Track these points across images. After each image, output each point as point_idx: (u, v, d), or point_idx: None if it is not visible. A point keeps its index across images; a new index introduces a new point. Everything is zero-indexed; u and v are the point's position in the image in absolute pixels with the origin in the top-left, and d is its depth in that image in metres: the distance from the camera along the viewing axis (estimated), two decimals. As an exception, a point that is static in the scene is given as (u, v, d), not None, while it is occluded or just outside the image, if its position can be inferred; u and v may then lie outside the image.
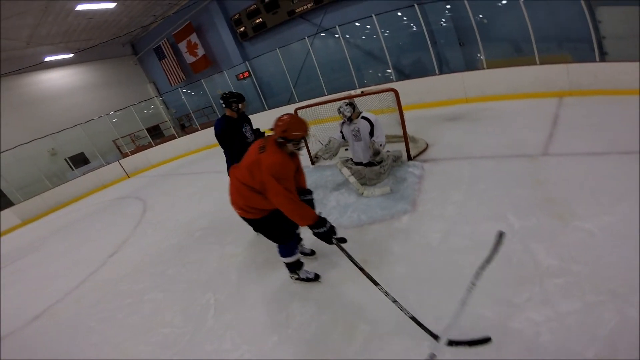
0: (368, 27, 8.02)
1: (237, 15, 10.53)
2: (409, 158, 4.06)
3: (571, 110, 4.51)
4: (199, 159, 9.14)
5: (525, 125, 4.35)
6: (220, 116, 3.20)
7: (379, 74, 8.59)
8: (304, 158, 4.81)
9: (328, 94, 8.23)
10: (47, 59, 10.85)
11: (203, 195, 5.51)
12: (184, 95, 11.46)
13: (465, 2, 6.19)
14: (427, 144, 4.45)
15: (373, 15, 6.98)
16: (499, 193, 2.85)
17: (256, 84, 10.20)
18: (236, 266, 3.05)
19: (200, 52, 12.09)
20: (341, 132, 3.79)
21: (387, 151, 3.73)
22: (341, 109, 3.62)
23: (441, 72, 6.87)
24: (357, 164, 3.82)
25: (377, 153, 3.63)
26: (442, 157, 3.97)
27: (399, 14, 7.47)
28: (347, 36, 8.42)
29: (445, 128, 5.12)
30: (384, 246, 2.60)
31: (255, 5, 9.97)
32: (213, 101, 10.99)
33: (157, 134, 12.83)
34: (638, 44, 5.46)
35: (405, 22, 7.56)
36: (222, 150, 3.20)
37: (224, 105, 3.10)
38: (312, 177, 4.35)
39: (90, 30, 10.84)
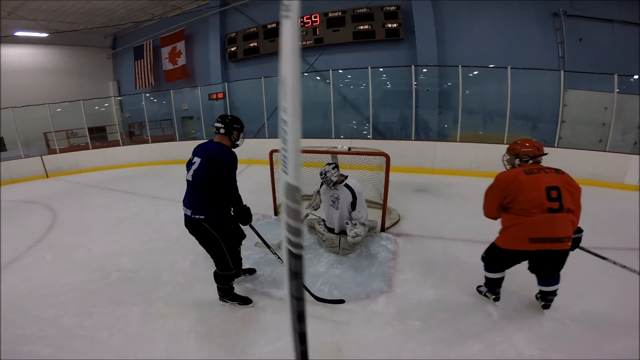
0: (358, 77, 8.16)
1: (234, 34, 10.26)
2: (382, 229, 3.81)
3: None
4: (139, 175, 8.05)
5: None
6: (211, 141, 2.35)
7: (356, 127, 8.60)
8: (268, 208, 4.41)
9: (303, 137, 7.91)
10: (17, 33, 10.09)
11: (133, 225, 4.50)
12: (146, 101, 10.41)
13: (459, 69, 6.57)
14: (399, 216, 4.26)
15: (369, 67, 7.10)
16: (471, 279, 2.77)
17: (227, 107, 9.63)
18: (167, 333, 2.26)
19: (181, 61, 11.48)
20: (318, 192, 3.51)
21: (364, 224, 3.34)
22: (327, 174, 3.17)
23: (417, 138, 7.02)
24: (329, 229, 3.46)
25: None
26: (414, 233, 3.83)
27: (392, 71, 7.74)
28: (337, 83, 8.46)
29: (414, 200, 5.09)
30: (362, 332, 2.25)
31: (255, 29, 9.83)
32: (175, 115, 10.15)
33: (99, 137, 11.34)
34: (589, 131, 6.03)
35: (397, 80, 7.81)
36: (204, 188, 2.20)
37: (223, 132, 2.29)
38: (275, 231, 3.89)
39: (81, 14, 10.13)
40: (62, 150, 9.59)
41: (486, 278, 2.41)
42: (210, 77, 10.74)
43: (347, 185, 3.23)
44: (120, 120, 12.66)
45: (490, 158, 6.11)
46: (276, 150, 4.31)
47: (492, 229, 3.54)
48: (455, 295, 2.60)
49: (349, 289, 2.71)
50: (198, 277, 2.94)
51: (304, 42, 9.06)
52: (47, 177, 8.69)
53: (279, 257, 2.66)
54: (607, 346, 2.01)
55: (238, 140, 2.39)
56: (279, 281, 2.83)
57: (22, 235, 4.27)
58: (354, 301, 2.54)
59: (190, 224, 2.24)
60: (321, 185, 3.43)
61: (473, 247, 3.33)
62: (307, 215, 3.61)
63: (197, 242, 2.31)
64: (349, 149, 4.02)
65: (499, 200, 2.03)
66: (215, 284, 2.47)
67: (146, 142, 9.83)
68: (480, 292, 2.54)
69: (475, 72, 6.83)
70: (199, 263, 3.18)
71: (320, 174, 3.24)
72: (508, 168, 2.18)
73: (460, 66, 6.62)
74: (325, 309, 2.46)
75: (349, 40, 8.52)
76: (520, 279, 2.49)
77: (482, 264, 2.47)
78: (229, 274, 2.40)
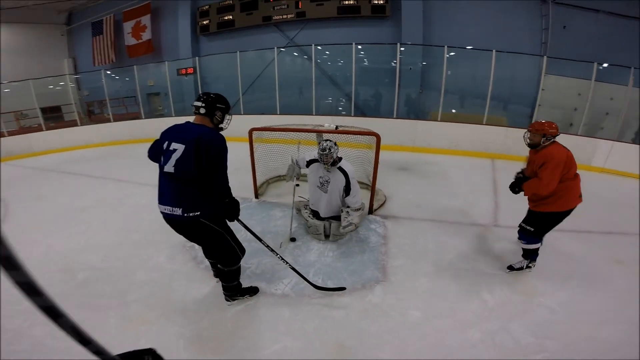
0: (339, 54, 7.82)
1: (207, 7, 9.38)
2: (370, 211, 3.70)
3: (505, 175, 4.37)
4: (101, 157, 7.33)
5: (471, 189, 4.57)
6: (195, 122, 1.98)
7: (335, 104, 8.35)
8: (248, 190, 4.17)
9: (280, 113, 7.63)
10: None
11: (97, 214, 4.00)
12: (106, 78, 9.40)
13: (444, 49, 6.49)
14: (385, 197, 4.17)
15: (353, 43, 6.79)
16: (465, 266, 2.80)
17: (199, 83, 8.97)
18: (152, 340, 2.02)
19: (146, 36, 10.44)
20: (306, 165, 3.16)
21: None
22: (331, 150, 2.84)
23: (398, 116, 6.93)
24: (314, 213, 3.24)
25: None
26: (402, 215, 3.76)
27: (376, 48, 7.48)
28: (317, 59, 8.03)
29: (398, 179, 5.00)
30: (361, 325, 2.16)
31: (231, 1, 9.01)
32: (140, 92, 9.29)
33: (54, 117, 10.23)
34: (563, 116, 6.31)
35: (379, 58, 7.58)
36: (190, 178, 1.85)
37: (204, 112, 1.93)
38: (257, 216, 3.69)
39: None
40: (12, 134, 8.50)
41: (530, 250, 2.63)
42: (180, 52, 9.85)
43: (341, 169, 2.94)
44: (78, 99, 11.43)
45: (469, 138, 6.31)
46: (256, 129, 4.03)
47: (476, 211, 3.84)
48: (450, 283, 2.57)
49: (343, 279, 2.60)
50: (177, 273, 2.68)
51: (284, 16, 8.50)
52: (-2, 162, 7.73)
53: (272, 251, 2.44)
54: (593, 333, 2.10)
55: (222, 122, 2.01)
56: (267, 273, 2.65)
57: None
58: (349, 292, 2.45)
59: (181, 224, 1.89)
60: (310, 162, 3.10)
61: (462, 231, 3.40)
62: (297, 185, 3.30)
63: (172, 232, 1.97)
64: (337, 127, 3.78)
65: (561, 175, 2.34)
66: (222, 283, 2.26)
67: (107, 120, 8.94)
68: (520, 268, 2.67)
69: (453, 54, 6.76)
70: (175, 257, 2.90)
71: (322, 150, 2.85)
72: (528, 143, 2.49)
73: (445, 46, 6.53)
74: (321, 303, 2.33)
75: (333, 15, 8.07)
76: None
77: (469, 247, 2.71)
78: (237, 267, 2.20)
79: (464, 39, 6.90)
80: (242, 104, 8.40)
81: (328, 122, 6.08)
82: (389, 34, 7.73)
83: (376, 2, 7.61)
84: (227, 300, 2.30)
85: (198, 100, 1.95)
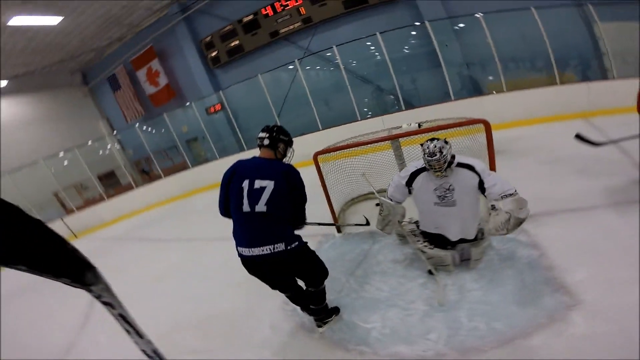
0: (364, 50, 7.31)
1: (209, 38, 9.31)
2: None
3: (616, 131, 3.54)
4: (163, 217, 7.47)
5: (594, 157, 3.61)
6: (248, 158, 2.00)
7: (379, 102, 7.80)
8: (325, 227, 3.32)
9: (323, 128, 7.23)
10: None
11: (177, 281, 3.80)
12: (143, 134, 9.75)
13: (480, 17, 5.75)
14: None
15: (377, 33, 6.25)
16: None
17: (231, 118, 8.89)
18: None
19: (163, 81, 10.50)
20: (407, 187, 2.40)
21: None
22: (443, 152, 2.14)
23: (457, 97, 6.25)
24: (432, 240, 2.46)
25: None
26: (538, 211, 2.90)
27: (410, 32, 6.96)
28: (336, 60, 7.56)
29: (499, 169, 4.21)
30: None
31: (231, 26, 8.85)
32: (178, 140, 9.41)
33: (112, 183, 10.78)
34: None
35: (405, 44, 6.94)
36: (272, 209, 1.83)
37: (267, 143, 1.97)
38: (350, 255, 3.10)
39: (31, 54, 9.00)
40: (80, 208, 9.10)
41: None
42: (200, 89, 9.90)
43: (461, 165, 2.23)
44: (126, 161, 11.90)
45: (544, 103, 5.54)
46: (321, 152, 3.49)
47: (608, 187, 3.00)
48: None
49: (515, 315, 1.97)
50: (291, 348, 2.26)
51: (291, 26, 8.13)
52: (77, 237, 8.33)
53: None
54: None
55: (286, 154, 2.03)
56: (401, 331, 2.09)
57: (69, 313, 3.79)
58: (536, 331, 1.82)
59: (283, 260, 1.82)
60: (413, 177, 2.37)
61: (624, 211, 2.61)
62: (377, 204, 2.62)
63: (265, 294, 2.02)
64: (420, 125, 3.23)
65: None
66: (313, 308, 2.18)
67: (159, 177, 9.23)
68: None
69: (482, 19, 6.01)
70: (279, 326, 2.47)
71: (431, 154, 2.15)
72: None
73: (479, 15, 5.90)
74: (500, 354, 1.79)
75: (341, 11, 7.64)
76: None
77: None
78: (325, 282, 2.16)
79: (489, 3, 6.05)
80: (284, 126, 8.14)
81: (379, 124, 5.62)
82: (405, 17, 7.17)
83: (383, -15, 7.02)
84: (319, 327, 2.24)
85: (263, 131, 1.98)
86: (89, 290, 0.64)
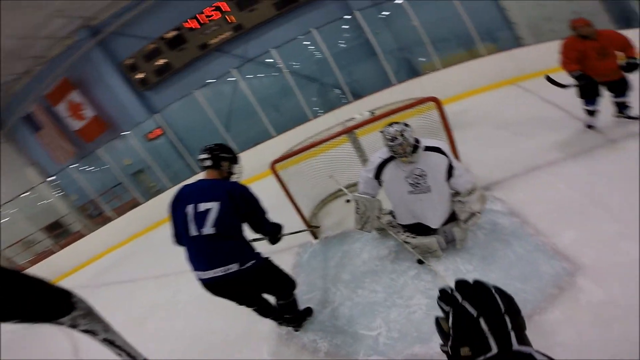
0: (302, 49, 7.23)
1: (132, 60, 8.52)
2: None
3: (546, 89, 3.66)
4: (125, 257, 6.82)
5: (540, 117, 3.94)
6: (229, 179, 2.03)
7: (327, 98, 7.79)
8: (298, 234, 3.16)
9: (277, 134, 7.04)
10: None
11: (159, 324, 3.46)
12: (80, 174, 8.70)
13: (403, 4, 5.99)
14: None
15: (312, 29, 6.21)
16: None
17: (175, 142, 8.29)
18: None
19: (89, 113, 9.50)
20: (376, 179, 2.32)
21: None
22: (404, 135, 2.05)
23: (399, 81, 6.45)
24: (413, 231, 2.42)
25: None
26: (504, 177, 3.02)
27: (343, 27, 7.00)
28: (278, 64, 7.40)
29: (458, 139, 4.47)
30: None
31: (154, 44, 8.17)
32: (123, 175, 8.54)
33: (61, 233, 9.60)
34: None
35: (344, 35, 7.03)
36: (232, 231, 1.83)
37: (210, 163, 1.93)
38: (332, 261, 2.96)
39: None
40: (34, 262, 8.11)
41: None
42: (133, 116, 9.04)
43: (430, 148, 2.15)
44: (70, 208, 10.51)
45: (479, 74, 5.93)
46: (278, 160, 3.26)
47: (573, 132, 3.27)
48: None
49: (522, 291, 1.86)
50: None
51: (220, 36, 7.77)
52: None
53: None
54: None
55: (232, 172, 2.01)
56: (424, 333, 1.94)
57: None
58: (549, 304, 1.73)
59: (239, 280, 1.78)
60: (381, 167, 2.27)
61: (588, 159, 2.78)
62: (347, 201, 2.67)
63: (253, 320, 2.06)
64: (372, 112, 3.20)
65: None
66: (288, 317, 2.23)
67: (110, 219, 8.35)
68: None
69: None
70: (280, 352, 2.30)
71: (392, 139, 2.07)
72: (583, 35, 2.97)
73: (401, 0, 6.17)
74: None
75: (273, 14, 7.46)
76: None
77: (600, 178, 2.48)
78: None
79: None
80: (231, 140, 7.77)
81: (333, 119, 5.60)
82: (337, 9, 7.24)
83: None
84: (296, 330, 2.30)
85: (202, 151, 1.93)
86: (59, 324, 0.59)
